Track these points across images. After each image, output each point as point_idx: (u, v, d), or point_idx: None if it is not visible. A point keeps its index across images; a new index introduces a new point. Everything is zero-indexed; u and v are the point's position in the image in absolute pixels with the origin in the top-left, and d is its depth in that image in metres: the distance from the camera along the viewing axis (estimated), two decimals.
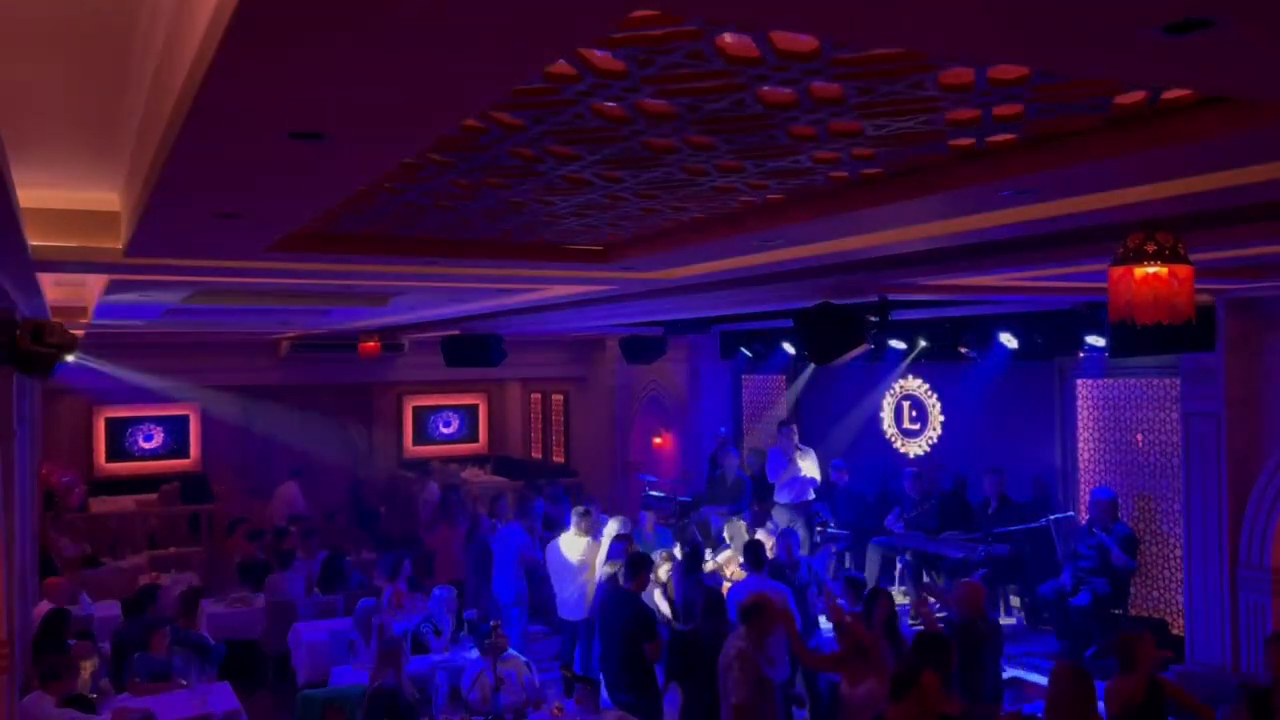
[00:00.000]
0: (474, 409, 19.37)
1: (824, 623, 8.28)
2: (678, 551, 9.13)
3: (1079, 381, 10.16)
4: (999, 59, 2.31)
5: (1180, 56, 1.95)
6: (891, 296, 6.92)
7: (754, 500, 11.25)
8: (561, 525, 9.67)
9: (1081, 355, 9.62)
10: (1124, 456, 9.78)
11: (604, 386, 15.83)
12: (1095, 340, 8.58)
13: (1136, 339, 4.87)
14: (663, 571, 8.47)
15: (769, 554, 8.09)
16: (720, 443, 12.84)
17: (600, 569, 8.54)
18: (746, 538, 8.92)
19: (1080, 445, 10.17)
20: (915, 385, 12.09)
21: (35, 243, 4.20)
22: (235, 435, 16.49)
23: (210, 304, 7.97)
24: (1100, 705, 5.25)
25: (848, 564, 11.19)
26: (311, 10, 1.65)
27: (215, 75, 1.92)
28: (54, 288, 6.72)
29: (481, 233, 4.93)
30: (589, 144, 3.17)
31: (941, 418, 11.77)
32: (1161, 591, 9.45)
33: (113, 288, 6.38)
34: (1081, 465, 10.16)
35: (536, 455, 18.85)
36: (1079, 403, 10.17)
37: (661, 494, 12.42)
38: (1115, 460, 9.86)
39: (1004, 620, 10.06)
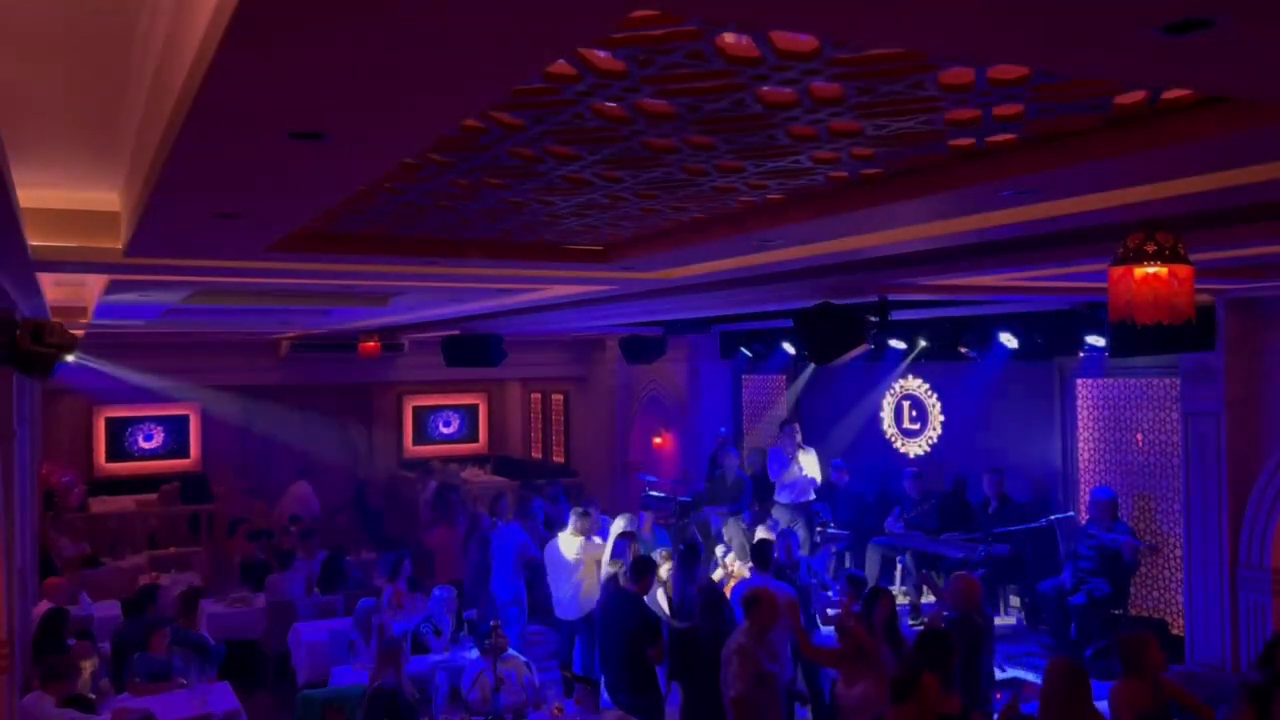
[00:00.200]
0: (474, 409, 19.38)
1: (824, 622, 8.29)
2: None
3: (1079, 381, 10.15)
4: (999, 59, 2.31)
5: (1180, 56, 1.95)
6: (891, 296, 6.91)
7: (754, 500, 11.25)
8: (562, 526, 9.67)
9: (1081, 355, 9.60)
10: (1124, 456, 9.77)
11: (604, 386, 15.83)
12: (1095, 340, 8.57)
13: (1136, 339, 4.88)
14: (664, 571, 8.46)
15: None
16: (720, 443, 12.81)
17: (604, 567, 8.53)
18: (745, 538, 8.92)
19: (1080, 445, 10.16)
20: (915, 385, 12.07)
21: (35, 243, 4.21)
22: (235, 435, 16.50)
23: (210, 304, 7.97)
24: (1101, 705, 5.24)
25: (848, 564, 11.17)
26: (311, 10, 1.65)
27: (215, 75, 1.92)
28: (54, 288, 6.72)
29: (481, 233, 4.93)
30: (589, 144, 3.17)
31: (941, 418, 11.76)
32: (1161, 591, 9.44)
33: (113, 288, 6.38)
34: (1081, 465, 10.14)
35: (536, 455, 18.85)
36: (1079, 403, 10.16)
37: (661, 494, 12.40)
38: (1115, 460, 9.85)
39: (1004, 620, 10.07)
